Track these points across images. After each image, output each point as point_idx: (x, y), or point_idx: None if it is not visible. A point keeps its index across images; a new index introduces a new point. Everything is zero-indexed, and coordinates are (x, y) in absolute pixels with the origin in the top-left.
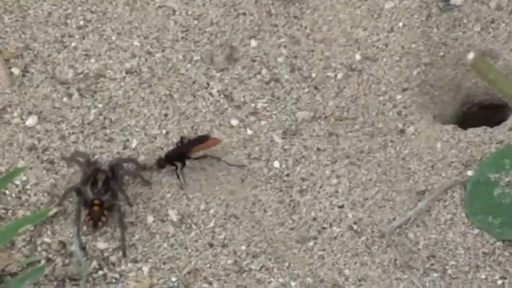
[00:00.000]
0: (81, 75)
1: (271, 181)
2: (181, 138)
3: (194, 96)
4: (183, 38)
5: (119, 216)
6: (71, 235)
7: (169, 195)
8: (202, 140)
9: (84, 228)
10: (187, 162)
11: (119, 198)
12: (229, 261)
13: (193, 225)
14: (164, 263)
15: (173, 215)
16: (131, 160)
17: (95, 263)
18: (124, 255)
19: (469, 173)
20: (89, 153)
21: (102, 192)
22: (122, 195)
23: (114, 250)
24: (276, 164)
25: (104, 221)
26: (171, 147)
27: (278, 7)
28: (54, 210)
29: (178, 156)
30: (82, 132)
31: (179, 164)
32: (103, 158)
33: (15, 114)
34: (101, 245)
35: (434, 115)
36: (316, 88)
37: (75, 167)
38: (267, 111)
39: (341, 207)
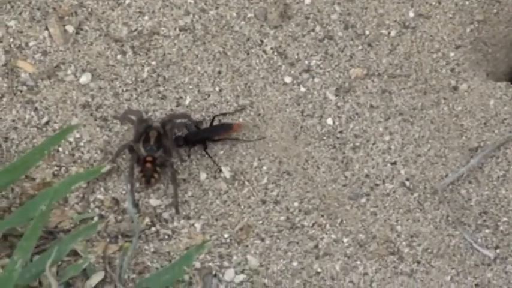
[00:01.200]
0: (135, 33)
1: (324, 138)
2: (198, 122)
3: (248, 54)
4: None
5: (171, 173)
6: (123, 192)
7: (222, 152)
8: (225, 128)
9: (137, 185)
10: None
11: (172, 154)
12: (282, 218)
13: (246, 182)
14: (217, 220)
15: (226, 172)
16: (184, 115)
17: (147, 220)
18: (177, 212)
19: None
20: (142, 110)
21: (154, 149)
22: (175, 152)
23: (167, 207)
24: (329, 121)
25: (156, 177)
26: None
27: None
28: (107, 167)
29: (198, 140)
30: (135, 89)
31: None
32: (156, 115)
33: (69, 71)
34: (154, 201)
35: (487, 72)
36: (369, 45)
37: (128, 125)
38: (320, 68)
39: (394, 163)
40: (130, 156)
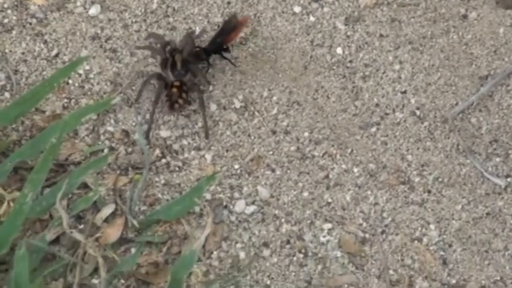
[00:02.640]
0: None
1: (334, 67)
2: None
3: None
4: None
5: (199, 98)
6: (133, 124)
7: (231, 82)
8: (234, 24)
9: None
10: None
11: (199, 77)
12: (292, 148)
13: (256, 113)
14: (227, 151)
15: (236, 102)
16: (193, 34)
17: (157, 152)
18: (207, 136)
19: None
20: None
21: (182, 73)
22: (200, 74)
23: (177, 138)
24: (339, 50)
25: (180, 103)
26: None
27: None
28: (117, 99)
29: (217, 47)
30: (145, 20)
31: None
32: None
33: (78, 3)
34: (164, 133)
35: (497, 0)
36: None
37: (138, 56)
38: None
39: (404, 92)
40: (159, 83)
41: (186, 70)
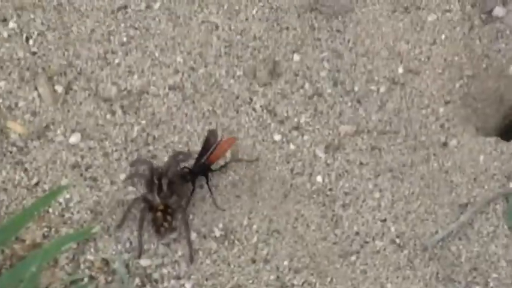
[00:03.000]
0: (124, 92)
1: (314, 196)
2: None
3: (237, 112)
4: (226, 53)
5: (184, 219)
6: (113, 252)
7: (212, 210)
8: (213, 139)
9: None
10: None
11: (184, 198)
12: (272, 277)
13: (236, 241)
14: (207, 279)
15: (216, 231)
16: (180, 154)
17: (137, 280)
18: (191, 260)
19: None
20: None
21: (168, 195)
22: (186, 196)
23: (157, 267)
24: (319, 178)
25: (166, 226)
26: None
27: (321, 21)
28: (97, 228)
29: (203, 170)
30: (125, 149)
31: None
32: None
33: (58, 132)
34: (144, 262)
35: (476, 127)
36: (358, 102)
37: (117, 185)
38: (310, 125)
39: (384, 221)
40: (142, 206)
41: (171, 192)
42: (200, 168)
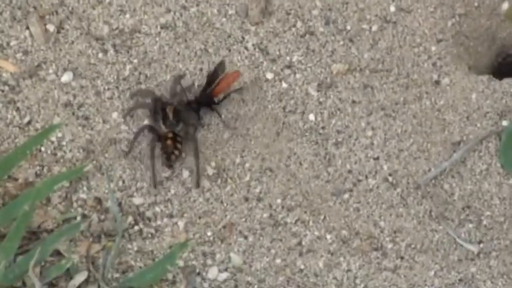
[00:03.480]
0: (116, 31)
1: (307, 134)
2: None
3: (229, 51)
4: None
5: (193, 146)
6: (106, 191)
7: (204, 148)
8: (220, 71)
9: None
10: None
11: (192, 125)
12: (265, 215)
13: (229, 179)
14: (200, 218)
15: (209, 169)
16: (181, 78)
17: (130, 219)
18: (197, 185)
19: (504, 123)
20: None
21: (174, 124)
22: (192, 122)
23: (150, 205)
24: (311, 116)
25: (176, 154)
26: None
27: None
28: (89, 166)
29: (208, 99)
30: (117, 88)
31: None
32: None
33: (50, 70)
34: (137, 200)
35: (469, 66)
36: (351, 40)
37: (110, 123)
38: (302, 64)
39: (376, 159)
40: (151, 136)
41: (177, 120)
42: (205, 98)
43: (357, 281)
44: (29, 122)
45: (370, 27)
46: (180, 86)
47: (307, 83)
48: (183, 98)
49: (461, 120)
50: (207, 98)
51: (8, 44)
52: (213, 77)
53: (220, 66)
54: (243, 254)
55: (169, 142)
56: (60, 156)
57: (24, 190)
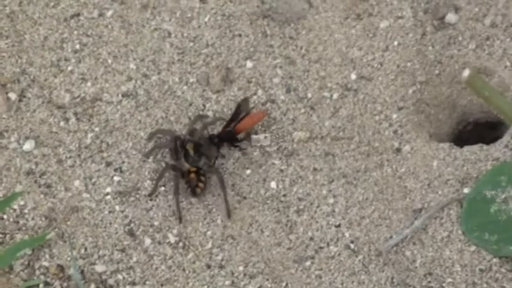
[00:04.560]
0: (78, 99)
1: (268, 201)
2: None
3: (190, 119)
4: (179, 60)
5: (218, 178)
6: (68, 258)
7: (167, 215)
8: (244, 108)
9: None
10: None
11: (213, 159)
12: (227, 282)
13: (191, 247)
14: (162, 285)
15: (171, 237)
16: (201, 118)
17: (93, 286)
18: (228, 216)
19: (466, 190)
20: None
21: (197, 159)
22: (214, 157)
23: (112, 273)
24: (273, 184)
25: (201, 187)
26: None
27: (273, 28)
28: (52, 234)
29: (231, 136)
30: (79, 156)
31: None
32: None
33: (12, 139)
34: (99, 267)
35: (430, 133)
36: (312, 108)
37: (73, 191)
38: (263, 132)
39: (338, 226)
40: (174, 174)
41: (199, 155)
42: (227, 134)
43: None
44: None
45: (331, 95)
46: (201, 122)
47: (268, 151)
48: (204, 134)
49: (422, 188)
50: (229, 134)
51: None
52: (236, 114)
53: (244, 103)
54: None
55: (192, 175)
56: (23, 224)
57: None
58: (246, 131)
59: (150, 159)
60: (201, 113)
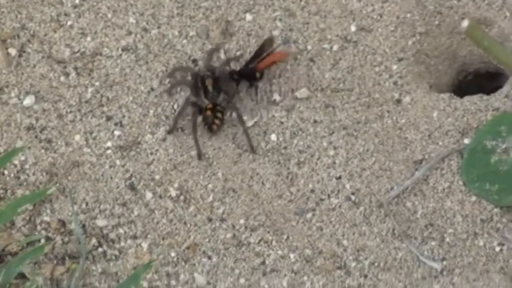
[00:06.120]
0: (78, 54)
1: (269, 154)
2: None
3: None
4: (179, 14)
5: (237, 114)
6: (70, 213)
7: (167, 170)
8: (268, 46)
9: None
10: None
11: (233, 96)
12: (228, 235)
13: (192, 200)
14: (163, 239)
15: (172, 190)
16: (217, 50)
17: (94, 241)
18: (252, 150)
19: (466, 141)
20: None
21: (216, 95)
22: (233, 92)
23: (113, 227)
24: (273, 137)
25: (217, 123)
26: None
27: None
28: (52, 189)
29: (251, 72)
30: (79, 110)
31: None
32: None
33: (12, 94)
34: (100, 222)
35: (430, 84)
36: (312, 60)
37: (73, 146)
38: (264, 83)
39: (338, 178)
40: (193, 110)
41: (218, 91)
42: (248, 71)
43: None
44: None
45: (331, 47)
46: (224, 55)
47: (268, 103)
48: (225, 69)
49: (423, 139)
50: (250, 71)
51: None
52: (259, 51)
53: (268, 41)
54: (207, 275)
55: (208, 113)
56: (24, 179)
57: None
58: (266, 68)
59: (151, 112)
60: (214, 47)
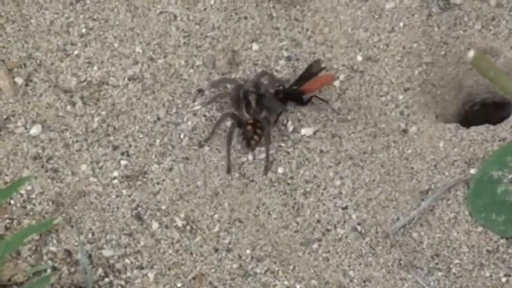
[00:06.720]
0: (84, 83)
1: (275, 184)
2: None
3: (196, 102)
4: (185, 44)
5: (265, 132)
6: (76, 243)
7: (174, 200)
8: (315, 68)
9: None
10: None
11: (274, 113)
12: (235, 266)
13: (198, 230)
14: (169, 269)
15: (178, 221)
16: (266, 73)
17: (100, 271)
18: (265, 172)
19: (472, 171)
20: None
21: (258, 112)
22: (275, 113)
23: (119, 257)
24: (280, 168)
25: (256, 139)
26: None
27: (279, 10)
28: (59, 219)
29: (296, 94)
30: (86, 140)
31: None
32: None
33: (19, 123)
34: (106, 252)
35: (436, 114)
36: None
37: (79, 175)
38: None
39: (345, 208)
40: (232, 122)
41: (261, 108)
42: (293, 92)
43: None
44: None
45: (338, 77)
46: (268, 76)
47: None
48: (270, 87)
49: (429, 169)
50: (295, 92)
51: None
52: (306, 73)
53: (315, 63)
54: None
55: (249, 127)
56: (30, 209)
57: None
58: (311, 92)
59: (157, 142)
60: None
